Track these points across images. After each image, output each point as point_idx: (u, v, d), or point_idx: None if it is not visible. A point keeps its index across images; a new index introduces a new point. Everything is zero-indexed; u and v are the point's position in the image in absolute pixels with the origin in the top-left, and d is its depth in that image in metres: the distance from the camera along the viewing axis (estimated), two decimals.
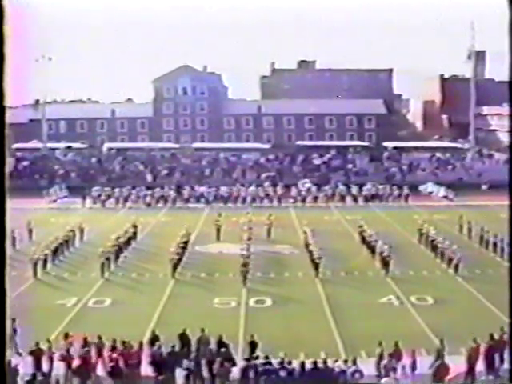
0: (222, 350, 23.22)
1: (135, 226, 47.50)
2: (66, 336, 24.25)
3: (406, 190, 68.06)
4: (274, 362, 21.83)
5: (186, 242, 42.39)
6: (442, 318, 29.41)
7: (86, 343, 23.43)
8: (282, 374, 21.36)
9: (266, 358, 22.05)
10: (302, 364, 21.69)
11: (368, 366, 22.42)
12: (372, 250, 41.67)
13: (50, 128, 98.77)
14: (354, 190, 68.67)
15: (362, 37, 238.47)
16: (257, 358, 22.47)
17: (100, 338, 24.02)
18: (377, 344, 23.22)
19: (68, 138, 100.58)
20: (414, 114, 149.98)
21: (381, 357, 22.75)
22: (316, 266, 37.62)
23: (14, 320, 24.63)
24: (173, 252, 38.34)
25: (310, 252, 39.51)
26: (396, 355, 22.70)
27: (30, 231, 46.94)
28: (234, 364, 22.69)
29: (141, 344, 23.76)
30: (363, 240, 44.75)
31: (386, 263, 38.01)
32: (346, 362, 22.14)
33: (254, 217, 52.34)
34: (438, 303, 32.38)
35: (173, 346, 23.28)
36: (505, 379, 21.48)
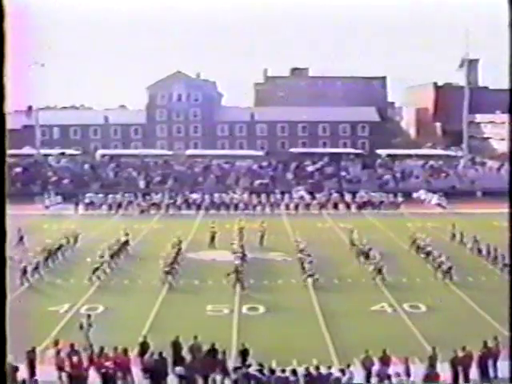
0: (215, 357, 23.23)
1: (127, 234, 47.28)
2: (56, 343, 24.17)
3: (399, 198, 68.20)
4: (267, 369, 21.82)
5: (178, 250, 42.29)
6: (434, 326, 29.41)
7: (77, 350, 23.36)
8: (275, 381, 21.33)
9: (260, 365, 22.02)
10: (295, 371, 21.70)
11: (361, 374, 22.49)
12: (365, 257, 41.65)
13: (44, 134, 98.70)
14: (347, 197, 68.72)
15: (355, 44, 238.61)
16: (249, 366, 22.44)
17: (91, 345, 23.96)
18: (369, 351, 23.23)
19: (61, 144, 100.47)
20: (407, 122, 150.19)
21: (365, 364, 22.79)
22: (310, 275, 37.47)
23: (89, 316, 27.07)
24: (165, 260, 38.16)
25: (303, 267, 39.06)
26: (384, 361, 22.73)
27: (22, 238, 46.76)
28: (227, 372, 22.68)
29: (133, 351, 23.71)
30: (356, 247, 44.66)
31: (379, 271, 37.98)
32: (342, 371, 22.10)
33: (247, 224, 52.28)
34: (430, 311, 32.37)
35: (160, 353, 23.23)
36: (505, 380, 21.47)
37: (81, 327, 26.24)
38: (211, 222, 51.84)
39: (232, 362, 24.03)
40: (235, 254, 40.27)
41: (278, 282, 37.96)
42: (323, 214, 64.32)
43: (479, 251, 43.87)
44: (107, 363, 22.65)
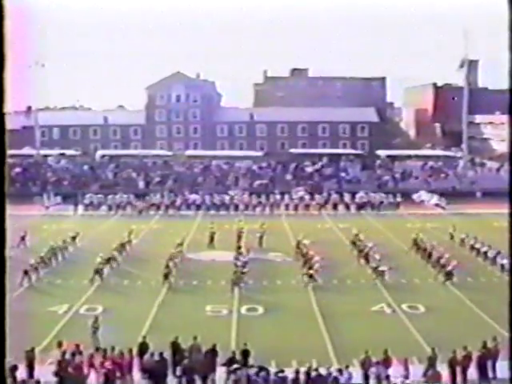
0: (215, 357, 23.25)
1: (130, 235, 47.36)
2: (60, 344, 24.17)
3: (398, 198, 68.21)
4: (265, 370, 21.83)
5: (179, 252, 42.43)
6: (433, 326, 29.40)
7: (78, 351, 23.34)
8: (274, 381, 21.34)
9: (260, 367, 22.03)
10: (295, 372, 21.72)
11: (360, 374, 22.52)
12: (365, 258, 41.64)
13: (43, 135, 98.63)
14: (347, 197, 68.67)
15: (354, 44, 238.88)
16: (250, 366, 22.44)
17: (97, 346, 23.99)
18: (369, 352, 23.25)
19: (61, 144, 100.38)
20: (407, 123, 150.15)
21: (364, 365, 22.84)
22: (311, 275, 37.43)
23: (96, 318, 27.25)
24: (165, 262, 38.11)
25: (306, 262, 39.12)
26: (385, 363, 22.74)
27: (23, 238, 46.73)
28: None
29: (132, 352, 23.71)
30: (356, 248, 44.66)
31: (379, 272, 37.98)
32: (340, 371, 22.12)
33: (247, 225, 52.25)
34: (429, 311, 32.36)
35: (160, 354, 23.23)
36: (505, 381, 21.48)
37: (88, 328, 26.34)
38: (210, 222, 51.83)
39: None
40: (238, 255, 40.23)
41: (277, 283, 37.96)
42: (323, 215, 64.30)
43: (478, 252, 43.81)
44: (107, 363, 22.64)
